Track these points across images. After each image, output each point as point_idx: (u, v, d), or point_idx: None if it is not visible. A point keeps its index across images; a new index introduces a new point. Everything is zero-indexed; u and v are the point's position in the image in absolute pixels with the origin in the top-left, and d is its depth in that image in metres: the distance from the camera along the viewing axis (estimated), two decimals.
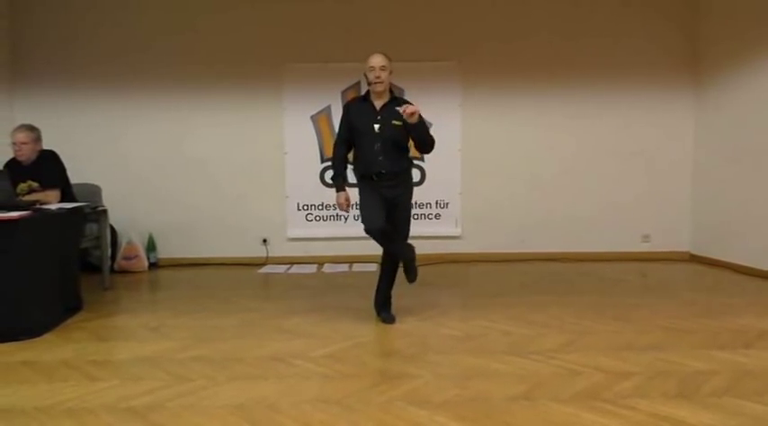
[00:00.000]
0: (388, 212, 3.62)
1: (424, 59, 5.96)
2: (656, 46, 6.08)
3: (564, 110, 6.12)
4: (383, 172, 3.58)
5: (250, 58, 6.01)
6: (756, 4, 5.19)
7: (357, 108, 3.69)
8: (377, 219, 3.55)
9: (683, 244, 6.21)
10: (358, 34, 5.88)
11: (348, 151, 3.75)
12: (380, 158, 3.58)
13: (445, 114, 5.99)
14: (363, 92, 3.78)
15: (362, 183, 3.69)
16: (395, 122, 3.54)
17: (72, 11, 5.94)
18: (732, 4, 5.55)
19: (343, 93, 5.98)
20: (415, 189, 5.89)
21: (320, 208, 6.13)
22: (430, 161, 6.03)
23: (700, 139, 6.07)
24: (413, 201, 3.83)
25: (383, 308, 3.87)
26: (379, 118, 3.59)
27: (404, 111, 3.39)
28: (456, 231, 6.20)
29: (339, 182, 3.72)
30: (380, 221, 3.55)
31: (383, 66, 3.56)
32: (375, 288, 3.91)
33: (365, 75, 3.64)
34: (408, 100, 3.78)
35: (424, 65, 5.95)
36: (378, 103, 3.63)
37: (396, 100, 3.67)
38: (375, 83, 3.57)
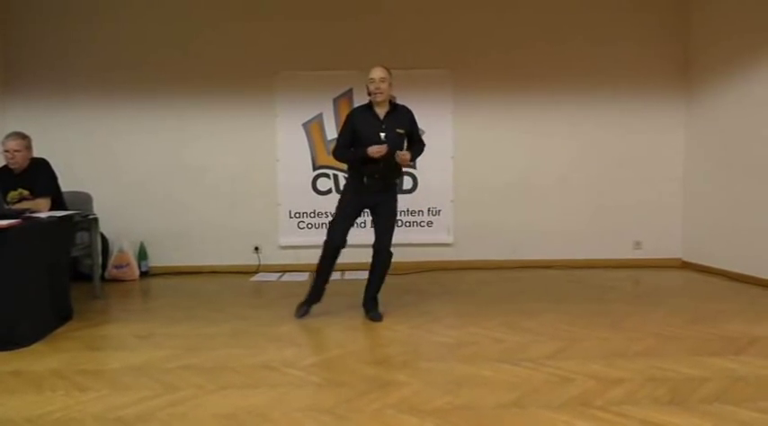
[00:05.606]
0: (374, 217, 3.99)
1: (417, 67, 5.97)
2: (647, 55, 6.13)
3: (555, 117, 6.15)
4: (376, 177, 3.85)
5: (242, 66, 6.01)
6: (748, 12, 5.24)
7: (362, 116, 3.93)
8: (339, 236, 3.92)
9: (674, 251, 6.23)
10: (350, 42, 5.90)
11: None
12: (381, 164, 3.82)
13: (437, 122, 6.01)
14: (360, 101, 3.90)
15: (350, 187, 4.04)
16: (398, 130, 3.88)
17: (65, 19, 5.92)
18: (723, 13, 5.61)
19: (336, 100, 5.98)
20: (407, 196, 6.12)
21: (312, 215, 6.12)
22: (422, 168, 6.05)
23: (690, 146, 6.12)
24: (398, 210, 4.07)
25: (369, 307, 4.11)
26: (383, 126, 3.86)
27: (400, 159, 3.83)
28: (448, 239, 6.20)
29: (359, 151, 3.84)
30: (340, 239, 3.93)
31: (383, 78, 3.83)
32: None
33: (367, 86, 3.92)
34: (404, 104, 4.06)
35: (417, 72, 5.96)
36: (381, 112, 3.90)
37: (396, 107, 3.96)
38: (375, 94, 3.85)
